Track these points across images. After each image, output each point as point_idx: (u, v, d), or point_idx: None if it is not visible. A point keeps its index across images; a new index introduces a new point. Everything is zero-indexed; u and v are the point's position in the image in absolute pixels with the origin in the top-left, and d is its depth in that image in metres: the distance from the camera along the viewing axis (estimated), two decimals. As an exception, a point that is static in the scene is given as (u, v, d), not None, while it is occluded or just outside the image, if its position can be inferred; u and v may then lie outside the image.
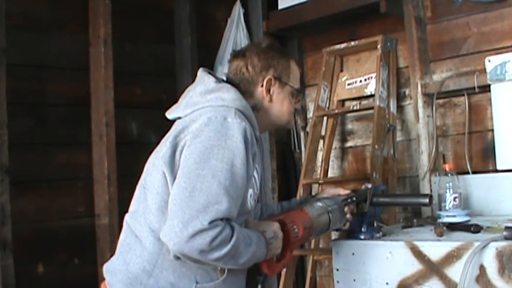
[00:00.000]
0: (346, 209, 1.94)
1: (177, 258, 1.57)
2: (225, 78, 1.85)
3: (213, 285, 1.63)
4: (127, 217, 1.73)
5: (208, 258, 1.49)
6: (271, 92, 1.81)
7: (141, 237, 1.64)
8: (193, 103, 1.71)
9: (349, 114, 3.27)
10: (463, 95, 2.74)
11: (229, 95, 1.69)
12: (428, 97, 2.83)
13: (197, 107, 1.69)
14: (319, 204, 1.85)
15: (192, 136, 1.60)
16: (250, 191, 1.65)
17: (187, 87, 1.87)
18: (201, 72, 1.81)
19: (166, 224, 1.51)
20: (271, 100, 1.81)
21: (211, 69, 3.14)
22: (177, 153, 1.62)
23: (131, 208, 1.73)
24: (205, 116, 1.62)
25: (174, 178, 1.59)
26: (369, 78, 3.11)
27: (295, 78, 1.87)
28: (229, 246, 1.50)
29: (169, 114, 1.80)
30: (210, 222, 1.47)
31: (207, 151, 1.56)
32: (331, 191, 2.07)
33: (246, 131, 1.60)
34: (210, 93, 1.70)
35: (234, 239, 1.51)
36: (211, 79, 1.75)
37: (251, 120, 1.70)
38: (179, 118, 1.75)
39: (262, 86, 1.80)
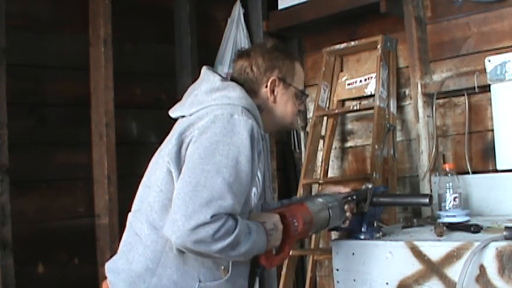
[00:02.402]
0: (346, 206, 1.94)
1: (181, 252, 1.56)
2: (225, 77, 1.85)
3: (216, 284, 1.63)
4: (130, 216, 1.73)
5: (210, 249, 1.48)
6: (275, 93, 1.81)
7: (141, 235, 1.64)
8: (199, 102, 1.71)
9: (349, 114, 3.27)
10: (463, 95, 2.74)
11: (235, 93, 1.69)
12: (428, 97, 2.83)
13: (203, 105, 1.69)
14: (320, 200, 1.85)
15: (198, 132, 1.60)
16: (254, 189, 1.65)
17: (187, 87, 1.86)
18: (205, 71, 1.81)
19: (169, 217, 1.51)
20: (275, 101, 1.81)
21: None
22: (183, 150, 1.61)
23: (134, 207, 1.73)
24: (212, 114, 1.62)
25: (179, 174, 1.58)
26: (369, 78, 3.11)
27: (299, 80, 1.87)
28: (232, 237, 1.49)
29: (173, 113, 1.80)
30: (213, 216, 1.47)
31: (213, 146, 1.55)
32: (332, 188, 2.07)
33: (252, 129, 1.60)
34: (215, 92, 1.70)
35: (237, 230, 1.51)
36: (217, 77, 1.74)
37: (257, 118, 1.70)
38: (182, 117, 1.75)
39: (266, 86, 1.80)
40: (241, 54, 1.86)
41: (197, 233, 1.46)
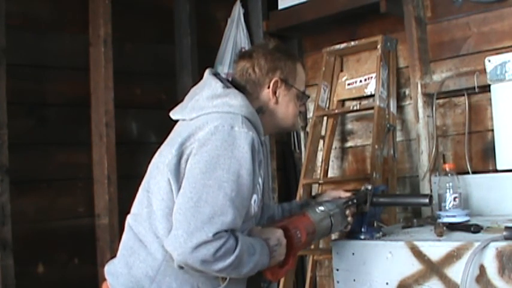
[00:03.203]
0: (347, 211, 1.94)
1: (181, 267, 1.56)
2: (224, 77, 1.85)
3: None
4: (129, 219, 1.72)
5: (211, 268, 1.49)
6: (277, 94, 1.80)
7: (145, 242, 1.64)
8: (200, 107, 1.70)
9: (349, 114, 3.27)
10: (463, 95, 2.74)
11: (237, 101, 1.68)
12: (428, 97, 2.82)
13: (203, 111, 1.68)
14: (321, 208, 1.85)
15: (198, 144, 1.59)
16: (254, 196, 1.65)
17: (187, 87, 1.86)
18: (208, 75, 1.79)
19: (171, 233, 1.51)
20: (277, 102, 1.80)
21: (211, 69, 3.14)
22: (183, 161, 1.61)
23: (134, 210, 1.73)
24: (212, 125, 1.61)
25: (179, 186, 1.58)
26: (369, 78, 3.11)
27: (301, 81, 1.86)
28: (233, 257, 1.50)
29: (174, 115, 1.79)
30: (215, 234, 1.47)
31: (214, 161, 1.55)
32: (331, 193, 2.06)
33: (253, 141, 1.60)
34: (217, 98, 1.69)
35: (238, 250, 1.51)
36: (219, 84, 1.73)
37: (257, 126, 1.69)
38: (183, 119, 1.75)
39: (268, 87, 1.79)
40: (243, 55, 1.85)
41: (198, 251, 1.46)
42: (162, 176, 1.63)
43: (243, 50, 1.95)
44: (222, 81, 1.75)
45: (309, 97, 1.95)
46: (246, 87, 1.78)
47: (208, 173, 1.54)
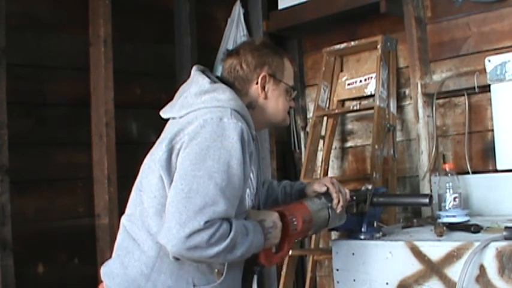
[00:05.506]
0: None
1: (177, 259, 1.56)
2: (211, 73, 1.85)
3: None
4: (123, 219, 1.73)
5: (207, 254, 1.49)
6: (266, 89, 1.80)
7: (139, 240, 1.64)
8: (189, 104, 1.70)
9: (349, 114, 3.27)
10: (463, 95, 2.74)
11: (225, 95, 1.69)
12: (428, 97, 2.83)
13: (192, 108, 1.69)
14: (320, 199, 1.85)
15: (188, 138, 1.60)
16: (248, 190, 1.65)
17: (185, 87, 1.85)
18: (194, 72, 1.80)
19: (164, 226, 1.51)
20: (266, 97, 1.81)
21: (211, 69, 3.15)
22: (173, 156, 1.61)
23: (127, 210, 1.73)
24: (201, 118, 1.61)
25: (171, 181, 1.58)
26: (369, 78, 3.11)
27: (289, 76, 1.87)
28: (228, 241, 1.50)
29: (164, 114, 1.80)
30: (206, 222, 1.47)
31: (203, 152, 1.55)
32: (311, 187, 2.03)
33: (242, 132, 1.60)
34: (205, 94, 1.70)
35: (232, 233, 1.51)
36: (206, 80, 1.73)
37: (247, 119, 1.69)
38: (173, 118, 1.75)
39: (257, 83, 1.80)
40: (230, 53, 1.86)
41: (192, 240, 1.46)
42: (153, 174, 1.63)
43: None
44: (209, 77, 1.75)
45: (297, 91, 1.94)
46: (234, 84, 1.78)
47: (199, 164, 1.54)
